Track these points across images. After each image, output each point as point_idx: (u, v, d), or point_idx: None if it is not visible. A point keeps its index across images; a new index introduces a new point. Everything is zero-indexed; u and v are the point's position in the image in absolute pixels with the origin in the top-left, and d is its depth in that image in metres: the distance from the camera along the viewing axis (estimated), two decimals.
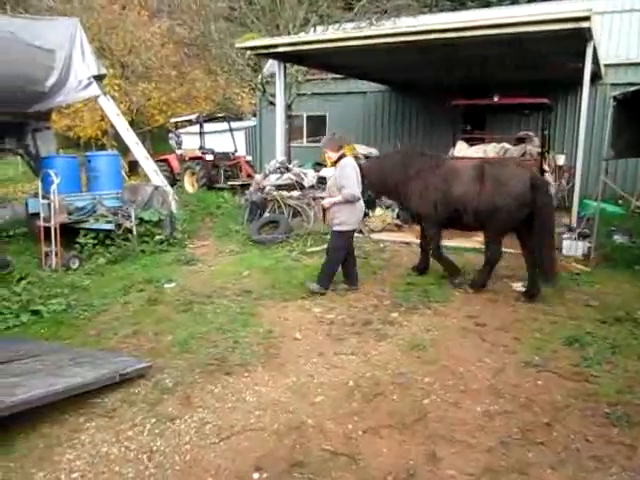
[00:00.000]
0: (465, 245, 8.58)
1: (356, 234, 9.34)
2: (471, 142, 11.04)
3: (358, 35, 9.67)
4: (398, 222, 9.96)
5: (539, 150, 10.42)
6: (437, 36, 8.53)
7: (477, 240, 9.00)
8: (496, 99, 9.94)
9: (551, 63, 10.85)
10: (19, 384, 3.65)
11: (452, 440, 3.37)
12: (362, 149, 12.50)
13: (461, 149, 10.67)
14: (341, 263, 6.41)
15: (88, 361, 4.28)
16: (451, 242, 8.70)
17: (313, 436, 3.41)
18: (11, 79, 8.10)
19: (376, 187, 6.88)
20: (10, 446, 3.30)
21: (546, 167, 10.62)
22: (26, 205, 9.11)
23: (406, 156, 7.06)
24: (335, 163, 6.28)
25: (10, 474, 3.05)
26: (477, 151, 10.51)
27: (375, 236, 9.31)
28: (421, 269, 7.11)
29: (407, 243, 8.87)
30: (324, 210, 6.46)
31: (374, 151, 12.73)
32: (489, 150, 10.53)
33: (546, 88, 12.22)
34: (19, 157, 11.34)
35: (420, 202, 6.62)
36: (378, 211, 9.72)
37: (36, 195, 8.50)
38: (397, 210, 10.07)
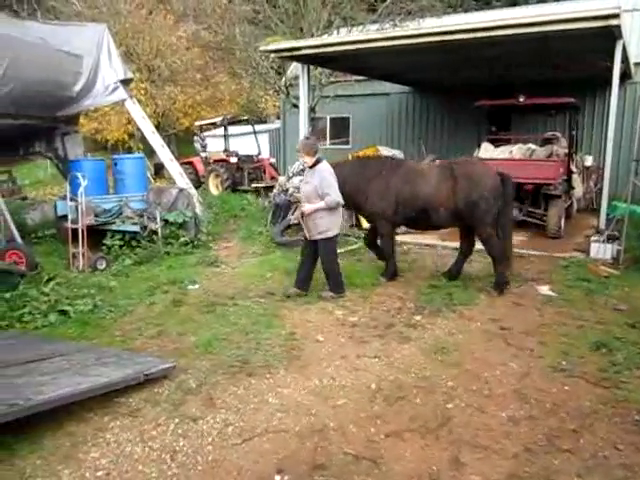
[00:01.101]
0: None
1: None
2: (496, 143, 10.90)
3: (381, 37, 9.62)
4: None
5: (566, 151, 10.24)
6: (462, 36, 8.44)
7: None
8: (522, 99, 9.79)
9: (579, 62, 10.65)
10: (47, 383, 3.72)
11: (476, 445, 3.33)
12: (385, 151, 12.43)
13: (486, 150, 10.53)
14: (305, 264, 6.29)
15: (113, 361, 4.34)
16: (477, 245, 8.60)
17: (335, 439, 3.40)
18: (41, 84, 8.29)
19: None
20: (37, 443, 3.36)
21: (573, 168, 10.43)
22: (55, 207, 9.30)
23: (362, 161, 7.18)
24: (311, 167, 6.12)
25: (37, 471, 3.11)
26: (503, 152, 10.37)
27: (399, 238, 9.20)
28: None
29: (431, 245, 8.79)
30: (302, 217, 6.18)
31: (397, 153, 12.65)
32: (515, 151, 10.38)
33: (573, 87, 11.98)
34: (48, 160, 11.57)
35: (379, 203, 6.64)
36: None
37: (64, 197, 8.67)
38: None
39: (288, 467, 3.12)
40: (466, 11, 17.57)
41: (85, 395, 3.67)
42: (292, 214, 9.77)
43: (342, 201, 6.06)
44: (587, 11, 7.63)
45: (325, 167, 6.08)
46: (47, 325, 5.55)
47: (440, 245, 8.78)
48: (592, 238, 8.11)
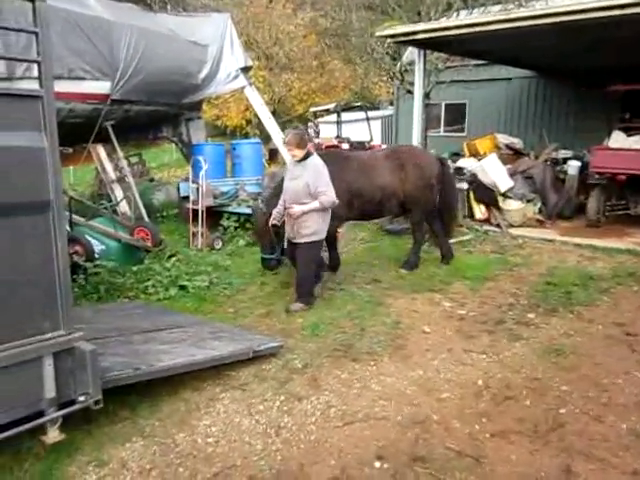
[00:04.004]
0: (618, 246, 7.81)
1: (493, 228, 8.99)
2: (630, 132, 9.98)
3: (503, 18, 9.09)
4: (540, 217, 9.34)
5: None
6: (596, 15, 7.75)
7: (631, 241, 8.20)
8: None
9: None
10: (166, 351, 4.00)
11: (590, 456, 3.10)
12: (505, 139, 11.86)
13: (618, 140, 9.68)
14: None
15: (226, 336, 4.57)
16: (601, 242, 8.00)
17: (437, 432, 3.34)
18: (170, 73, 8.83)
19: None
20: (156, 406, 3.64)
21: None
22: (178, 189, 9.94)
23: None
24: (299, 162, 5.33)
25: (155, 431, 3.37)
26: (637, 142, 9.47)
27: (514, 231, 8.82)
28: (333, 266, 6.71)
29: (550, 240, 8.29)
30: (288, 218, 5.40)
31: (517, 141, 12.02)
32: None
33: None
34: (173, 144, 12.35)
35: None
36: (518, 204, 9.19)
37: (187, 180, 9.23)
38: (539, 205, 9.46)
39: (388, 455, 3.12)
40: None
41: (199, 366, 3.90)
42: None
43: (337, 201, 5.34)
44: None
45: (318, 161, 5.30)
46: (168, 298, 5.97)
47: (559, 240, 8.26)
48: None
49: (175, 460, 3.10)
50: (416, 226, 6.81)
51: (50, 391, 2.96)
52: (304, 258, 5.42)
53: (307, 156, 5.29)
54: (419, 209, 6.63)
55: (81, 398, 3.05)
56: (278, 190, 5.83)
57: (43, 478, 2.91)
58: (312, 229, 5.30)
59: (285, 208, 5.44)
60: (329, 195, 5.21)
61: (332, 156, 6.46)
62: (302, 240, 5.34)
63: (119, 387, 3.38)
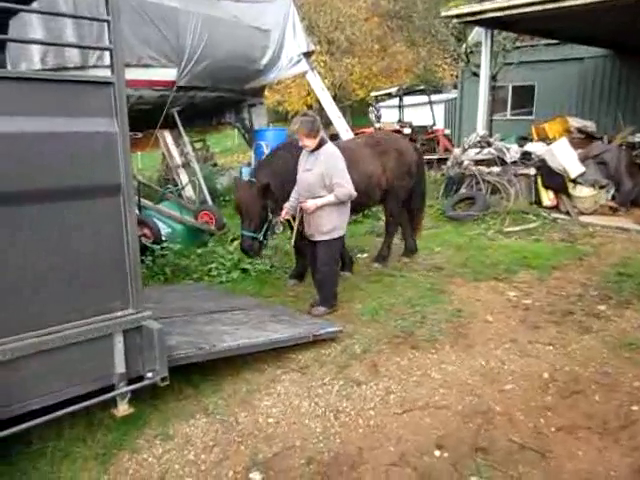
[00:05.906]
0: None
1: (562, 215, 8.63)
2: None
3: None
4: (613, 204, 8.87)
5: None
6: None
7: None
8: None
9: None
10: (228, 332, 4.08)
11: None
12: (576, 122, 11.31)
13: None
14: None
15: (287, 319, 4.62)
16: None
17: (500, 424, 3.25)
18: (233, 59, 8.95)
19: (274, 195, 5.25)
20: (219, 385, 3.74)
21: None
22: (240, 173, 10.10)
23: (293, 148, 5.36)
24: (312, 152, 4.86)
25: (218, 409, 3.46)
26: None
27: (584, 219, 8.43)
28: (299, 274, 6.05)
29: (624, 229, 7.86)
30: (302, 215, 5.00)
31: (589, 124, 11.43)
32: None
33: None
34: (236, 129, 12.55)
35: None
36: (590, 191, 8.76)
37: (249, 164, 9.37)
38: (613, 191, 8.98)
39: (448, 444, 3.07)
40: None
41: (260, 348, 3.96)
42: (465, 187, 9.43)
43: (355, 193, 4.86)
44: None
45: (332, 150, 4.83)
46: (230, 280, 6.10)
47: (634, 229, 7.83)
48: None
49: (237, 438, 3.17)
50: (392, 218, 6.40)
51: (120, 367, 3.09)
52: (323, 257, 5.01)
53: (321, 145, 4.84)
54: (396, 198, 6.25)
55: (149, 374, 3.18)
56: (267, 160, 5.66)
57: (113, 448, 3.06)
58: (331, 225, 4.88)
59: (299, 203, 5.04)
60: (345, 187, 4.75)
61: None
62: (322, 238, 4.96)
63: (184, 365, 3.49)
